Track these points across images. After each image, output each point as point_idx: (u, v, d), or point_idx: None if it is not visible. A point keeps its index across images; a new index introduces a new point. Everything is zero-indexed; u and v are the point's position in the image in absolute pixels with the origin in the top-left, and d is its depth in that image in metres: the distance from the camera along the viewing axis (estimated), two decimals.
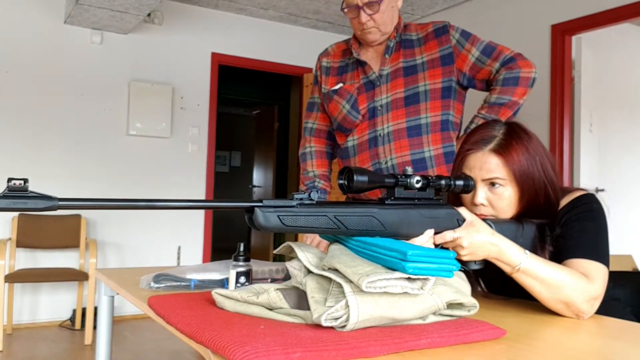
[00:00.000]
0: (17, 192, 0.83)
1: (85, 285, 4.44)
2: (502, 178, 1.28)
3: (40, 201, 0.88)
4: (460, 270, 1.07)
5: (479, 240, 1.16)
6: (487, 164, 1.29)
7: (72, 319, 4.52)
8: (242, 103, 9.53)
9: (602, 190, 4.33)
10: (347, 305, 0.89)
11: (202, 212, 5.30)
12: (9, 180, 0.83)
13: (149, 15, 4.91)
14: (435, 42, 1.85)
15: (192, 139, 5.26)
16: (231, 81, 7.00)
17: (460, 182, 1.22)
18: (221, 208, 1.02)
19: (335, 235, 1.10)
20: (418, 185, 1.12)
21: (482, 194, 1.30)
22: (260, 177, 8.02)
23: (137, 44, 4.99)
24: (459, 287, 1.02)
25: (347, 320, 0.89)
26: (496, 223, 1.25)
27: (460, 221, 1.19)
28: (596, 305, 1.17)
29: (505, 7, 4.57)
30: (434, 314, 0.99)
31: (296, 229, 0.99)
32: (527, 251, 1.19)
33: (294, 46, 5.76)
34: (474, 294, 1.14)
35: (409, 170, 1.14)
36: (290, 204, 0.99)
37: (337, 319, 0.90)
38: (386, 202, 1.11)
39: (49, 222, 4.49)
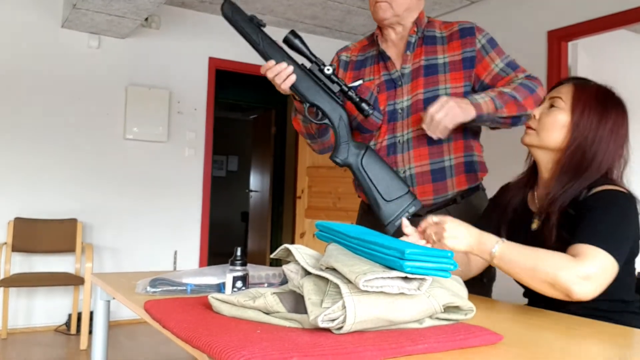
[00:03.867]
0: None
1: (81, 289, 4.42)
2: (563, 100, 1.35)
3: None
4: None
5: (458, 225, 1.26)
6: (561, 88, 1.40)
7: (68, 324, 4.51)
8: (239, 107, 9.54)
9: None
10: (343, 306, 0.89)
11: (198, 216, 5.29)
12: None
13: (146, 19, 4.92)
14: (459, 43, 1.76)
15: (189, 143, 5.26)
16: (228, 86, 7.01)
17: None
18: None
19: None
20: (328, 72, 1.61)
21: (540, 108, 1.41)
22: (257, 181, 8.02)
23: (135, 49, 4.99)
24: (456, 291, 1.02)
25: (344, 321, 0.88)
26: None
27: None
28: (589, 285, 1.13)
29: (502, 14, 4.59)
30: (430, 317, 0.99)
31: (237, 25, 1.61)
32: (503, 239, 1.22)
33: (291, 51, 5.75)
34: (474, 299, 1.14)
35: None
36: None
37: (333, 320, 0.90)
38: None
39: (44, 226, 4.48)
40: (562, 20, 4.10)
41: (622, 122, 1.35)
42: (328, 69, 1.62)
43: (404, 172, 1.77)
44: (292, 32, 1.61)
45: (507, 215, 1.47)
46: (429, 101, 1.70)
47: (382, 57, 1.84)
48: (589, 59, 4.32)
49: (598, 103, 1.34)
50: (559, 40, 4.12)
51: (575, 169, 1.31)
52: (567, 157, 1.33)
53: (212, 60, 5.36)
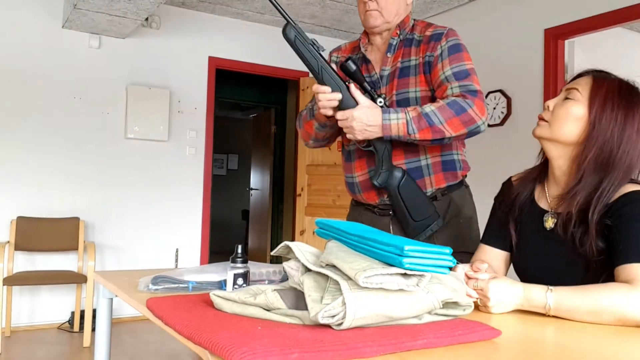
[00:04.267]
0: None
1: (84, 287, 4.44)
2: (579, 92, 1.27)
3: None
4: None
5: (500, 289, 1.18)
6: (579, 80, 1.31)
7: (71, 322, 4.52)
8: (239, 106, 9.54)
9: None
10: (343, 303, 0.90)
11: (199, 214, 5.31)
12: None
13: (146, 19, 4.92)
14: (426, 47, 1.79)
15: (190, 142, 5.27)
16: (228, 85, 7.01)
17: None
18: None
19: None
20: (380, 104, 1.70)
21: (554, 99, 1.32)
22: (257, 180, 8.02)
23: (135, 48, 5.00)
24: (455, 287, 1.03)
25: (344, 317, 0.89)
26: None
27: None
28: None
29: (499, 12, 4.59)
30: (429, 312, 1.00)
31: (298, 49, 1.70)
32: (550, 288, 1.14)
33: (291, 50, 5.74)
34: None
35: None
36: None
37: (333, 316, 0.91)
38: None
39: (47, 225, 4.49)
40: (559, 18, 4.10)
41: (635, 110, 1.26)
42: (380, 102, 1.69)
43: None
44: (351, 60, 1.68)
45: (515, 212, 1.42)
46: (399, 103, 1.77)
47: (364, 60, 1.90)
48: (585, 57, 4.33)
49: (622, 98, 1.25)
50: (555, 38, 4.12)
51: (603, 168, 1.24)
52: (592, 155, 1.24)
53: (212, 59, 5.36)
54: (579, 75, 1.35)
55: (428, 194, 1.81)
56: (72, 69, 4.72)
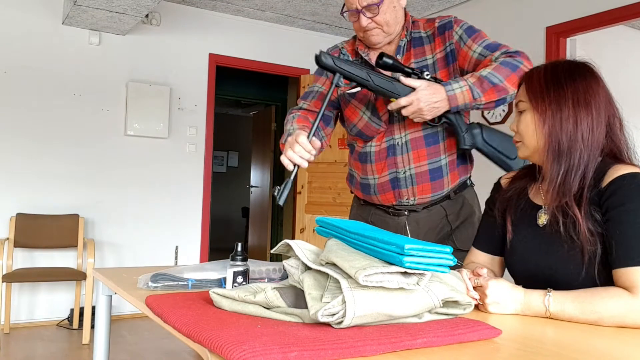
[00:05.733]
0: None
1: (83, 284, 4.44)
2: (523, 100, 1.31)
3: None
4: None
5: (500, 289, 1.19)
6: (518, 91, 1.36)
7: (70, 319, 4.52)
8: (239, 104, 9.54)
9: None
10: (343, 301, 0.90)
11: (199, 211, 5.31)
12: None
13: (146, 16, 4.92)
14: (440, 40, 1.78)
15: (190, 139, 5.27)
16: (229, 82, 7.00)
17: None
18: None
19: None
20: (427, 77, 1.66)
21: (514, 120, 1.36)
22: (257, 177, 8.02)
23: (135, 45, 4.99)
24: (455, 285, 1.03)
25: (344, 316, 0.89)
26: None
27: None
28: None
29: (500, 10, 4.59)
30: (429, 311, 0.99)
31: (342, 70, 1.62)
32: (549, 293, 1.15)
33: (291, 47, 5.77)
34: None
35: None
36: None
37: (333, 314, 0.90)
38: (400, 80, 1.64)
39: (46, 221, 4.49)
40: (561, 16, 4.09)
41: (586, 88, 1.25)
42: (427, 74, 1.68)
43: (404, 172, 1.79)
44: (384, 55, 1.66)
45: (512, 210, 1.42)
46: None
47: (369, 66, 1.83)
48: (587, 55, 4.31)
49: (548, 83, 1.26)
50: (557, 36, 4.12)
51: (559, 154, 1.24)
52: (545, 147, 1.26)
53: (212, 56, 5.36)
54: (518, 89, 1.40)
55: (444, 193, 1.82)
56: (72, 66, 4.72)
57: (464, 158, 1.86)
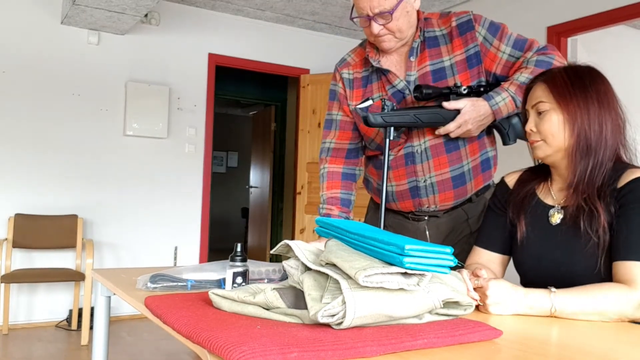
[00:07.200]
0: None
1: (82, 285, 4.43)
2: (545, 101, 1.33)
3: None
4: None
5: (501, 289, 1.19)
6: (535, 92, 1.36)
7: (69, 320, 4.52)
8: (239, 104, 9.54)
9: None
10: (343, 302, 0.89)
11: (199, 212, 5.30)
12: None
13: (145, 15, 4.91)
14: (460, 41, 1.69)
15: (189, 139, 5.26)
16: (228, 82, 7.00)
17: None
18: None
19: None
20: (465, 92, 1.64)
21: (531, 121, 1.37)
22: (257, 177, 8.02)
23: (134, 45, 4.98)
24: (455, 286, 1.02)
25: (344, 317, 0.89)
26: None
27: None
28: None
29: (501, 9, 4.58)
30: (430, 312, 0.99)
31: (393, 123, 1.64)
32: (552, 290, 1.18)
33: (291, 47, 5.76)
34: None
35: (459, 83, 1.67)
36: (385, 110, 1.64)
37: (333, 315, 0.90)
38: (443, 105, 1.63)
39: (45, 222, 4.49)
40: (562, 16, 4.10)
41: (605, 90, 1.32)
42: (464, 88, 1.66)
43: (425, 181, 1.74)
44: (418, 87, 1.64)
45: (524, 209, 1.43)
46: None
47: (382, 71, 1.77)
48: (588, 55, 4.32)
49: (574, 85, 1.31)
50: (558, 35, 4.12)
51: (587, 152, 1.29)
52: (575, 144, 1.30)
53: (211, 56, 5.36)
54: (529, 90, 1.41)
55: (467, 198, 1.79)
56: (71, 66, 4.72)
57: (488, 162, 1.81)
